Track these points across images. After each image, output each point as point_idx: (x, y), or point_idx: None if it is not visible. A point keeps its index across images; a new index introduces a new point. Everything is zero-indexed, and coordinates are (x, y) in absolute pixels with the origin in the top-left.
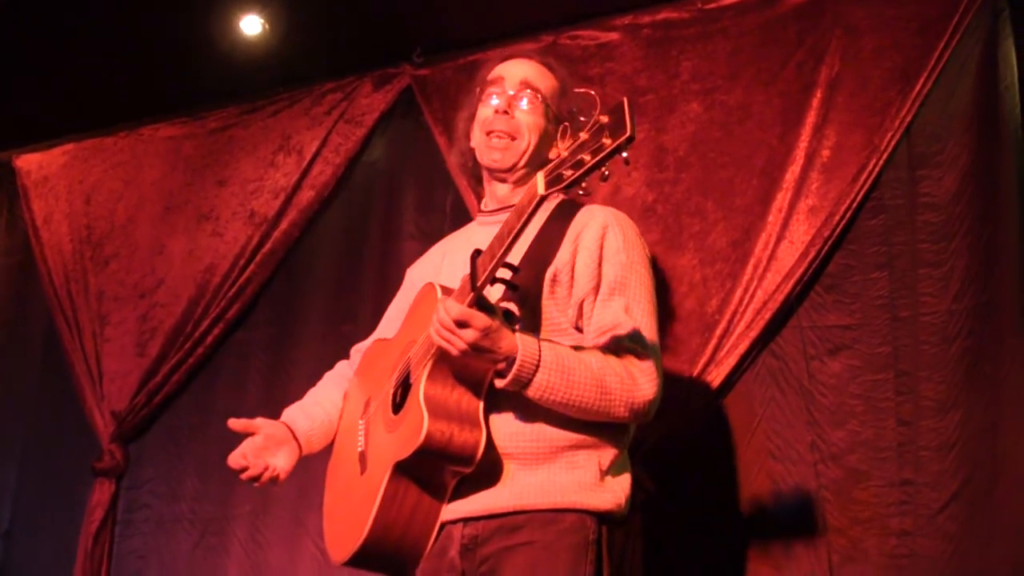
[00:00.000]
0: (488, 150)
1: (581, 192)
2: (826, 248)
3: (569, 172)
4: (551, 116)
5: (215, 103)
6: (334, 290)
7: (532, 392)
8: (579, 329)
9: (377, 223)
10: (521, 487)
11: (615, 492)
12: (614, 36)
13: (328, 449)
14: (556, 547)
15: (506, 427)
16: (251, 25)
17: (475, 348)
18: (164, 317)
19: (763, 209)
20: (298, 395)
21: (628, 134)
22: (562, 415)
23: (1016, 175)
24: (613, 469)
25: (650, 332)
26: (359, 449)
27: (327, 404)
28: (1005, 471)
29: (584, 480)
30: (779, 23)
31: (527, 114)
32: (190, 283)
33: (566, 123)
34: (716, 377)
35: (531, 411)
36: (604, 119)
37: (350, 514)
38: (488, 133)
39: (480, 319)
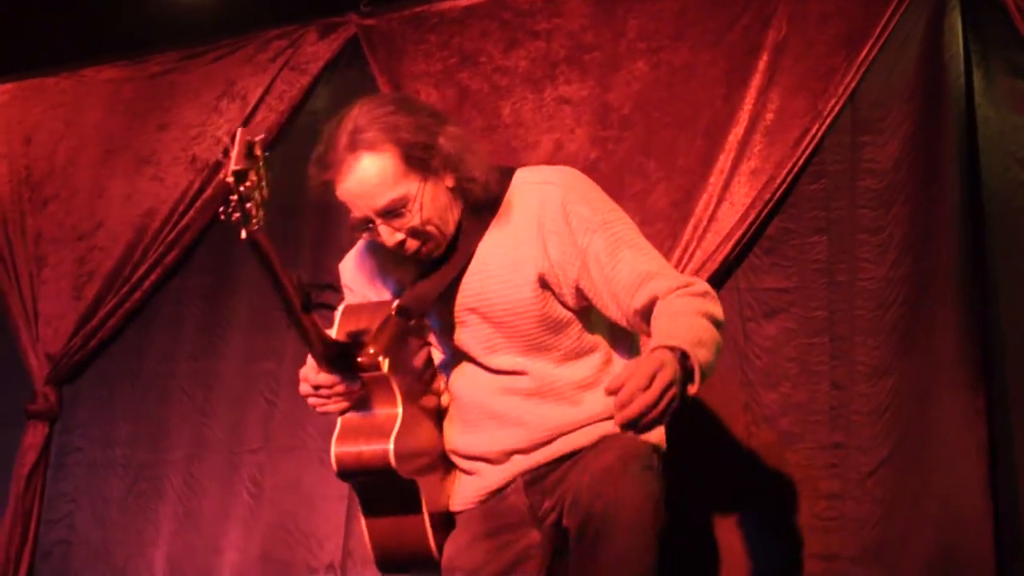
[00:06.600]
0: (423, 264)
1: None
2: (766, 211)
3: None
4: (422, 171)
5: (159, 47)
6: (273, 238)
7: (706, 371)
8: (573, 310)
9: None
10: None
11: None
12: None
13: None
14: (628, 452)
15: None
16: None
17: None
18: (102, 260)
19: (705, 170)
20: (232, 345)
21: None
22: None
23: (957, 145)
24: None
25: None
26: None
27: None
28: (933, 438)
29: None
30: None
31: (412, 221)
32: (129, 227)
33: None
34: None
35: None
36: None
37: None
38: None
39: (649, 363)
